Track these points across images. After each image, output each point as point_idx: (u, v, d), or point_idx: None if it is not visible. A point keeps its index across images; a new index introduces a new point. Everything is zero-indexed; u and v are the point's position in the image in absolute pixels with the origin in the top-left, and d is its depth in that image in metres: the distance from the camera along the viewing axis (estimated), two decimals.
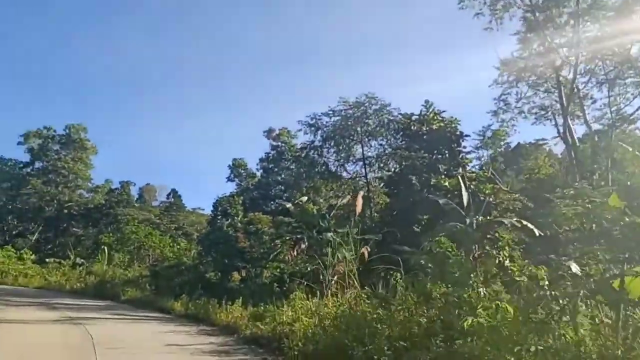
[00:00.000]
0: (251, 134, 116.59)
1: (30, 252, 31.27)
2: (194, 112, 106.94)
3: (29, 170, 56.24)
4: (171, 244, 40.77)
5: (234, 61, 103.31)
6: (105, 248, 35.55)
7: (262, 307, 12.86)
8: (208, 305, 14.70)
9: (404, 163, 24.65)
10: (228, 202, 58.64)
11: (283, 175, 74.14)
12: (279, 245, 23.46)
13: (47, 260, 34.01)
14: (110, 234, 45.26)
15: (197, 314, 14.68)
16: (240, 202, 60.57)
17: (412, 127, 26.23)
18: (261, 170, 73.05)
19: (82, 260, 35.06)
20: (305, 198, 24.57)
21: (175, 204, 69.03)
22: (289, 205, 22.05)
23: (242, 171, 75.25)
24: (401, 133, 27.65)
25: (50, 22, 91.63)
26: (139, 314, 15.72)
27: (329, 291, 19.14)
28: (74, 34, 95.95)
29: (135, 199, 68.92)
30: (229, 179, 72.60)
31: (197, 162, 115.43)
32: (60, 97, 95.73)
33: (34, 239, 53.99)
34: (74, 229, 55.88)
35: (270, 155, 73.76)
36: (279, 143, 73.93)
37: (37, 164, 56.66)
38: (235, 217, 58.02)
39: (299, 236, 21.70)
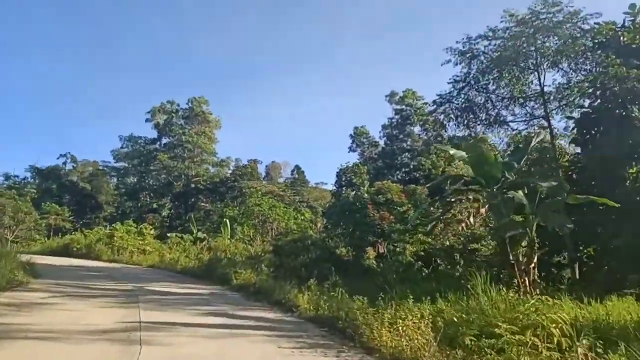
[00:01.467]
0: (372, 104, 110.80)
1: (150, 227, 28.94)
2: (311, 91, 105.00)
3: (156, 146, 56.48)
4: (295, 216, 36.53)
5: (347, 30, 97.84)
6: (228, 221, 32.16)
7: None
8: (351, 302, 8.73)
9: (607, 93, 15.87)
10: (352, 171, 53.36)
11: (409, 142, 67.00)
12: (438, 212, 16.50)
13: (168, 235, 31.64)
14: (235, 207, 42.62)
15: (335, 319, 8.69)
16: (365, 171, 54.89)
17: (622, 40, 17.07)
18: (384, 138, 67.12)
19: (204, 235, 32.10)
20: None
21: (299, 179, 65.94)
22: (452, 151, 14.92)
23: (364, 140, 69.69)
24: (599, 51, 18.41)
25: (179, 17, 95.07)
26: (247, 314, 10.22)
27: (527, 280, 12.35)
28: (201, 26, 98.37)
29: (263, 176, 67.27)
30: (350, 149, 67.63)
31: (318, 138, 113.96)
32: (184, 78, 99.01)
33: (165, 214, 54.28)
34: (202, 203, 55.07)
35: (393, 120, 67.32)
36: (403, 106, 66.98)
37: (164, 140, 56.70)
38: (361, 188, 52.27)
39: (472, 196, 14.82)
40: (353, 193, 48.32)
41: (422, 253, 20.13)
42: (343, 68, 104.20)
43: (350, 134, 68.62)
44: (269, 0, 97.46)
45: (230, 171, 57.45)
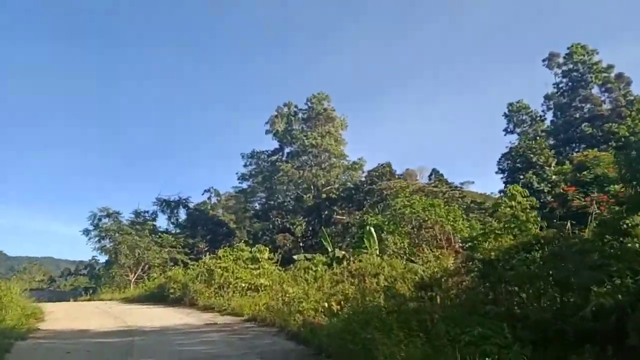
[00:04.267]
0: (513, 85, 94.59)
1: (266, 250, 20.38)
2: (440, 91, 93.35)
3: (278, 156, 49.54)
4: (462, 217, 25.34)
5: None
6: (372, 230, 22.46)
7: None
8: None
9: None
10: (528, 149, 40.37)
11: (587, 107, 52.38)
12: None
13: (295, 257, 22.89)
14: (376, 215, 32.82)
15: None
16: (546, 146, 41.46)
17: None
18: (552, 110, 52.74)
19: (342, 252, 22.61)
20: None
21: (440, 182, 54.05)
22: None
23: (524, 116, 55.69)
24: None
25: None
26: None
27: None
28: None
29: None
30: (507, 131, 54.47)
31: (452, 138, 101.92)
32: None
33: (298, 234, 46.71)
34: (337, 216, 46.37)
35: (561, 86, 52.61)
36: (570, 66, 52.37)
37: (287, 149, 49.60)
38: (546, 167, 39.03)
39: None
40: (533, 175, 35.56)
41: None
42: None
43: (504, 113, 55.38)
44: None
45: (364, 174, 47.97)
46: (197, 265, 21.32)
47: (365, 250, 22.57)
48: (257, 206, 54.59)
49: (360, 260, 19.24)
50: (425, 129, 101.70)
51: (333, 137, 46.30)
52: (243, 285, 17.71)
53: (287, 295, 14.54)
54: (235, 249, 20.98)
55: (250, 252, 20.83)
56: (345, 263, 19.68)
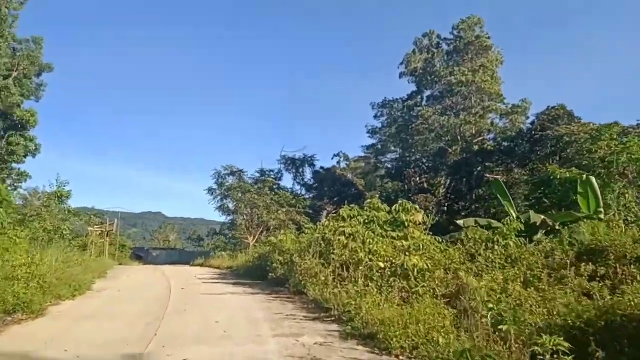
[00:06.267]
0: None
1: (414, 207, 12.61)
2: None
3: (416, 101, 40.68)
4: None
5: None
6: (593, 181, 13.78)
7: None
8: None
9: None
10: None
11: None
12: None
13: (460, 222, 14.91)
14: (561, 167, 22.97)
15: None
16: None
17: None
18: None
19: (540, 216, 13.94)
20: None
21: None
22: None
23: None
24: None
25: None
26: None
27: None
28: None
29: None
30: None
31: None
32: None
33: (440, 195, 38.17)
34: (488, 175, 36.65)
35: None
36: None
37: (426, 93, 40.53)
38: None
39: None
40: None
41: None
42: None
43: None
44: None
45: (528, 121, 36.91)
46: (312, 230, 14.49)
47: (581, 213, 13.81)
48: (389, 165, 46.99)
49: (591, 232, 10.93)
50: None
51: (488, 72, 36.02)
52: (381, 265, 10.43)
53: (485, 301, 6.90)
54: (367, 207, 13.67)
55: (390, 211, 13.37)
56: (563, 234, 11.32)
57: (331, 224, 12.25)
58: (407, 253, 10.68)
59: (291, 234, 16.69)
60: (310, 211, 35.79)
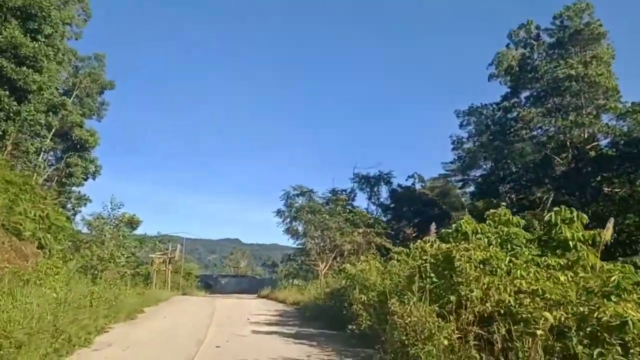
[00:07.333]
0: None
1: (578, 214, 8.04)
2: None
3: (513, 102, 34.80)
4: None
5: None
6: None
7: None
8: None
9: None
10: None
11: None
12: None
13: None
14: None
15: None
16: None
17: None
18: None
19: None
20: None
21: None
22: None
23: None
24: None
25: None
26: None
27: None
28: None
29: None
30: None
31: None
32: None
33: (544, 211, 31.88)
34: (607, 188, 29.89)
35: None
36: None
37: (524, 94, 34.66)
38: None
39: None
40: None
41: None
42: None
43: None
44: None
45: None
46: (409, 256, 9.88)
47: None
48: (479, 179, 41.16)
49: None
50: None
51: (603, 64, 29.75)
52: (549, 317, 5.78)
53: None
54: (490, 220, 8.99)
55: (529, 226, 8.53)
56: None
57: (445, 246, 7.67)
58: (596, 294, 5.93)
59: (375, 260, 12.22)
60: (392, 232, 31.05)
